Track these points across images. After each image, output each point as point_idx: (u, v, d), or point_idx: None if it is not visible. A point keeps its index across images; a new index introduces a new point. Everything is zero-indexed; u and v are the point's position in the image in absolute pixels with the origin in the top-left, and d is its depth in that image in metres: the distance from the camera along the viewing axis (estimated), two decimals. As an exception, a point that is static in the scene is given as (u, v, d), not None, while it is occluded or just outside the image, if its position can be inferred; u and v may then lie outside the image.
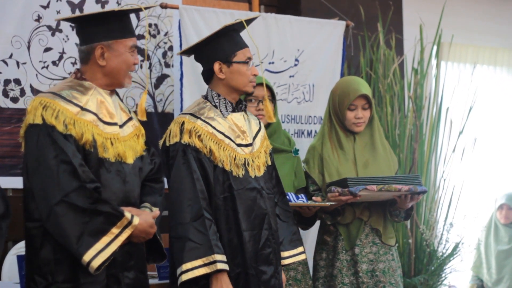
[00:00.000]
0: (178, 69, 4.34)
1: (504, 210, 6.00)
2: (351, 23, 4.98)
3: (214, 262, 2.89)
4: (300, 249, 3.31)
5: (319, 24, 4.84)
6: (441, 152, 5.38)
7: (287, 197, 3.43)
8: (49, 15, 4.15)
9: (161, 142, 3.11)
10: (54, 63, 4.18)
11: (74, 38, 4.12)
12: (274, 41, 4.63)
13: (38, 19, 4.13)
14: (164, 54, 4.54)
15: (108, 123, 2.82)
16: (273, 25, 4.64)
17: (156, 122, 4.44)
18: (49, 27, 4.16)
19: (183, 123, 3.05)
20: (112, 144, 2.80)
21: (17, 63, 4.07)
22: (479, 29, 6.27)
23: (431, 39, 5.38)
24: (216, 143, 3.05)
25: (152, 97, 4.49)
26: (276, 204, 3.23)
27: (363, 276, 3.61)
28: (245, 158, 3.11)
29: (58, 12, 4.17)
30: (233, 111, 3.17)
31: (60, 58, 4.19)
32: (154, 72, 4.48)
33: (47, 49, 4.16)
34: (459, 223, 5.21)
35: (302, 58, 4.74)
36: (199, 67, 3.26)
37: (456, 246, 5.06)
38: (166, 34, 4.54)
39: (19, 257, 3.20)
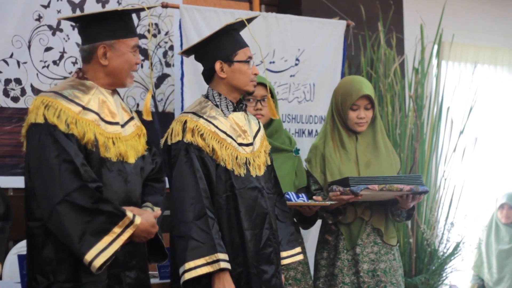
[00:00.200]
0: (178, 69, 4.33)
1: (505, 209, 6.00)
2: (352, 22, 4.98)
3: (217, 261, 2.89)
4: (298, 249, 3.31)
5: (319, 24, 4.84)
6: (442, 152, 5.38)
7: (288, 196, 3.44)
8: (50, 15, 4.15)
9: (162, 141, 3.11)
10: (54, 62, 4.17)
11: (75, 38, 4.13)
12: (274, 40, 4.63)
13: (39, 18, 4.13)
14: (165, 54, 4.54)
15: (110, 123, 2.82)
16: (274, 24, 4.64)
17: (156, 122, 4.43)
18: (50, 27, 4.16)
19: (185, 122, 3.04)
20: (113, 143, 2.80)
21: (18, 62, 4.07)
22: (479, 29, 6.27)
23: (432, 38, 5.38)
24: (219, 142, 3.05)
25: (153, 96, 4.48)
26: (274, 204, 3.23)
27: (364, 276, 3.60)
28: (246, 158, 3.11)
29: (59, 11, 4.17)
30: (234, 110, 3.17)
31: (61, 57, 4.19)
32: (154, 72, 4.48)
33: (48, 49, 4.16)
34: (460, 222, 5.21)
35: (302, 57, 4.74)
36: (200, 67, 3.26)
37: (457, 245, 5.06)
38: (166, 33, 4.54)
39: (20, 257, 3.20)
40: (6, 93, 4.05)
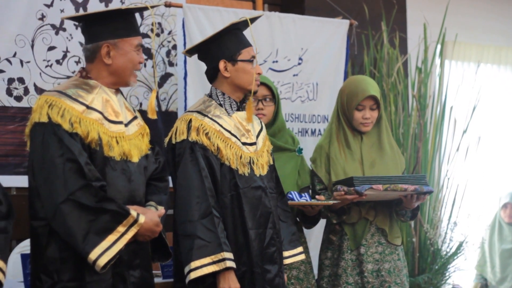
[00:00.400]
0: (182, 68, 4.33)
1: (508, 209, 6.00)
2: (355, 22, 4.97)
3: (223, 260, 2.89)
4: (300, 249, 3.32)
5: (322, 23, 4.83)
6: (445, 151, 5.37)
7: (291, 195, 3.44)
8: (53, 14, 4.15)
9: (166, 140, 3.11)
10: (58, 62, 4.17)
11: (78, 37, 4.13)
12: (277, 40, 4.63)
13: (42, 17, 4.13)
14: (168, 53, 4.54)
15: (114, 122, 2.82)
16: (277, 24, 4.63)
17: (159, 121, 4.43)
18: (53, 26, 4.16)
19: (190, 121, 3.04)
20: (117, 142, 2.80)
21: (21, 61, 4.07)
22: (483, 28, 6.26)
23: (435, 38, 5.37)
24: (223, 141, 3.05)
25: (156, 96, 4.47)
26: (276, 204, 3.24)
27: (368, 276, 3.60)
28: (250, 157, 3.11)
29: (62, 11, 4.17)
30: (238, 109, 3.17)
31: (64, 56, 4.18)
32: (158, 71, 4.48)
33: (51, 48, 4.16)
34: (463, 222, 5.21)
35: (305, 57, 4.73)
36: (203, 66, 3.26)
37: (460, 245, 5.06)
38: (170, 32, 4.54)
39: (23, 256, 3.20)
40: (9, 92, 4.04)
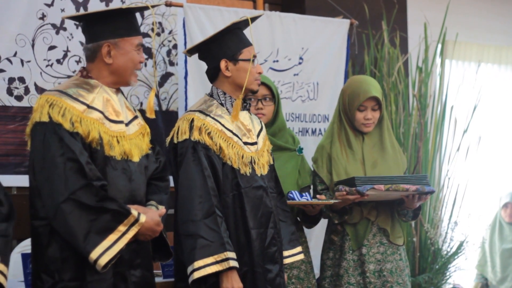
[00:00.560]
0: (182, 67, 4.33)
1: (508, 208, 6.00)
2: (356, 21, 4.97)
3: (226, 259, 2.89)
4: (299, 249, 3.32)
5: (323, 23, 4.83)
6: (446, 151, 5.37)
7: (291, 195, 3.44)
8: (54, 13, 4.14)
9: (168, 139, 3.11)
10: (58, 61, 4.17)
11: (78, 36, 4.13)
12: (278, 39, 4.62)
13: (43, 17, 4.12)
14: (169, 52, 4.54)
15: (114, 121, 2.82)
16: (278, 23, 4.63)
17: (160, 120, 4.43)
18: (54, 25, 4.15)
19: (192, 120, 3.04)
20: (118, 142, 2.80)
21: (22, 61, 4.06)
22: (483, 27, 6.26)
23: (436, 37, 5.37)
24: (225, 140, 3.05)
25: (157, 95, 4.48)
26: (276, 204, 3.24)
27: (370, 276, 3.60)
28: (251, 156, 3.11)
29: (63, 10, 4.17)
30: (239, 109, 3.17)
31: (65, 56, 4.18)
32: (158, 70, 4.48)
33: (52, 47, 4.15)
34: (464, 221, 5.21)
35: (306, 56, 4.73)
36: (204, 65, 3.26)
37: (461, 244, 5.06)
38: (170, 32, 4.53)
39: (24, 255, 3.20)
40: (9, 92, 4.04)
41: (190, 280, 2.88)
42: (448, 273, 5.07)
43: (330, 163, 3.67)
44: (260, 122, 3.32)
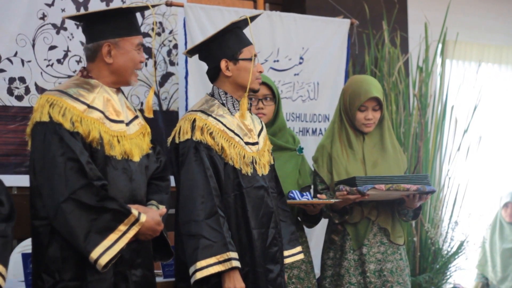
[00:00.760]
0: (183, 67, 4.33)
1: (509, 208, 6.01)
2: (356, 21, 4.97)
3: (229, 259, 2.89)
4: (298, 248, 3.32)
5: (323, 22, 4.83)
6: (446, 151, 5.37)
7: (292, 195, 3.44)
8: (54, 13, 4.14)
9: (169, 139, 3.10)
10: (59, 61, 4.17)
11: (79, 36, 4.13)
12: (279, 39, 4.62)
13: (43, 17, 4.12)
14: (169, 52, 4.54)
15: (115, 121, 2.82)
16: (278, 23, 4.63)
17: (160, 120, 4.43)
18: (54, 25, 4.15)
19: (194, 120, 3.04)
20: (118, 142, 2.81)
21: (22, 61, 4.06)
22: (484, 27, 6.26)
23: (436, 37, 5.37)
24: (227, 140, 3.05)
25: (157, 95, 4.48)
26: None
27: (371, 276, 3.60)
28: (252, 156, 3.11)
29: (63, 10, 4.17)
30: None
31: (65, 56, 4.18)
32: (158, 70, 4.48)
33: (52, 47, 4.15)
34: (464, 221, 5.21)
35: (306, 56, 4.73)
36: (204, 65, 3.26)
37: (461, 244, 5.06)
38: (171, 32, 4.53)
39: (24, 255, 3.20)
40: (10, 92, 4.04)
41: (192, 280, 2.88)
42: (448, 273, 5.07)
43: (330, 163, 3.67)
44: (261, 122, 3.32)
